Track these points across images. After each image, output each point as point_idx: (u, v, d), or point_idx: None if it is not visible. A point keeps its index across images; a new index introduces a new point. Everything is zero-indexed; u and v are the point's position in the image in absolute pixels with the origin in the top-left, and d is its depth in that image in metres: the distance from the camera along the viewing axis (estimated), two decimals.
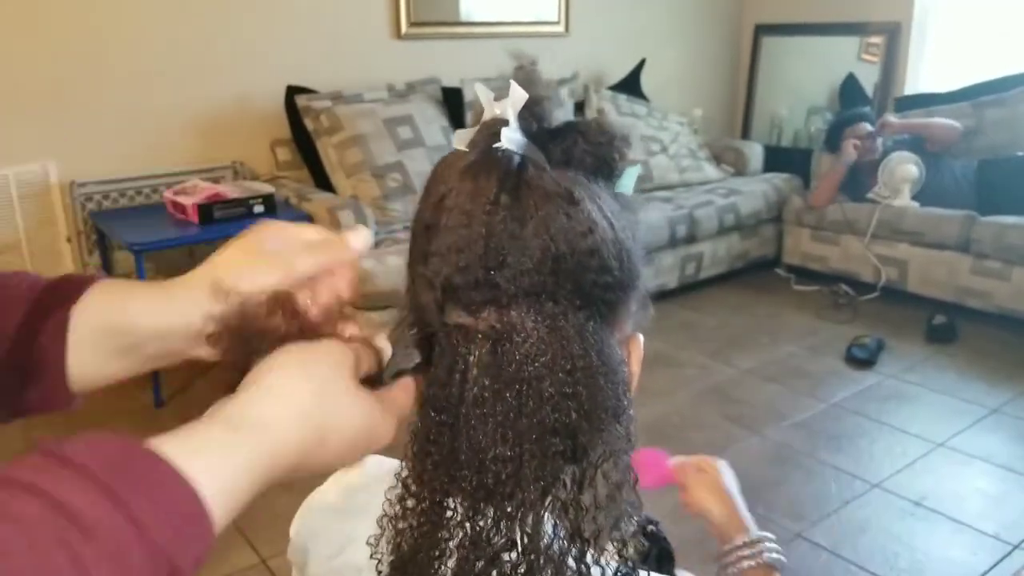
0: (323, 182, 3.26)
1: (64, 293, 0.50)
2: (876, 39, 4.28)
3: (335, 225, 2.83)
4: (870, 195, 3.71)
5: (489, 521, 0.50)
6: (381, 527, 0.54)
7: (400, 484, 0.53)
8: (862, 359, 3.02)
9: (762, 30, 4.75)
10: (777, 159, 4.42)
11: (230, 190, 2.89)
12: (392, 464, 0.65)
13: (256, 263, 0.51)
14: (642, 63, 4.23)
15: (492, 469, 0.49)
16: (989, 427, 2.56)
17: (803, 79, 4.62)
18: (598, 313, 0.51)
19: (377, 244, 2.95)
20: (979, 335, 3.26)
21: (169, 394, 2.74)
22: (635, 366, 0.57)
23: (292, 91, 3.25)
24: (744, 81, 4.87)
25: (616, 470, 0.52)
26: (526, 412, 0.49)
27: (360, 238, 0.55)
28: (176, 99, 3.14)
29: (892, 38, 4.22)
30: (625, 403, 0.52)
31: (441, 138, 3.36)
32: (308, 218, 2.92)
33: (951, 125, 3.68)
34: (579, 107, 3.89)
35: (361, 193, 3.14)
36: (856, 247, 3.72)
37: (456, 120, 3.50)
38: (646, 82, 4.25)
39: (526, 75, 0.52)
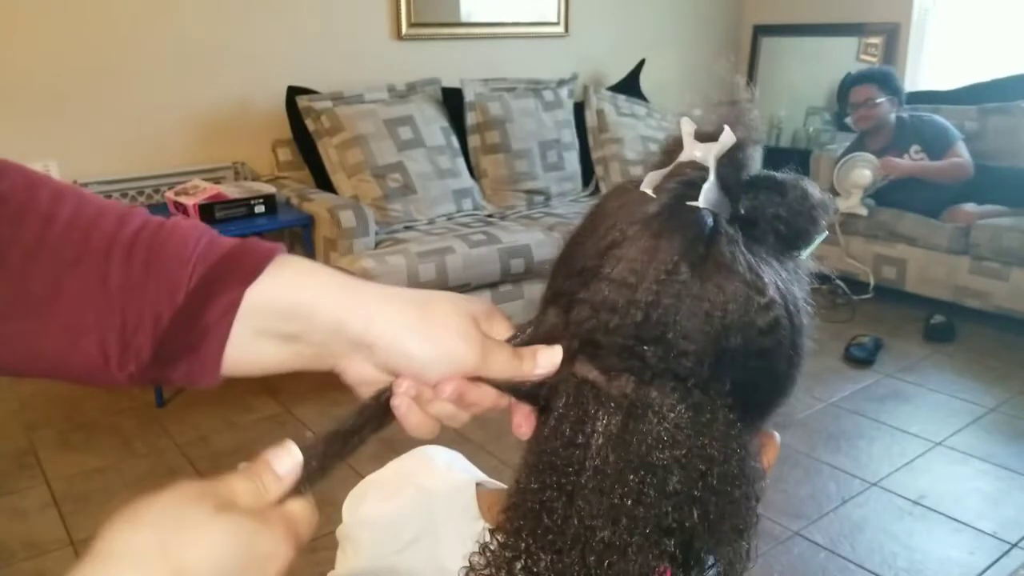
0: (324, 182, 3.27)
1: (242, 268, 0.45)
2: (875, 40, 4.29)
3: (336, 225, 2.84)
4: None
5: None
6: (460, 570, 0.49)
7: (492, 535, 0.49)
8: (860, 358, 3.03)
9: (761, 30, 4.76)
10: (776, 160, 4.31)
11: (231, 190, 2.90)
12: (462, 475, 0.61)
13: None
14: (641, 63, 4.24)
15: (597, 551, 0.44)
16: (987, 426, 2.57)
17: (802, 80, 4.62)
18: (749, 416, 0.46)
19: (377, 244, 2.96)
20: (977, 335, 3.27)
21: (170, 394, 2.75)
22: (766, 466, 0.51)
23: (293, 92, 3.26)
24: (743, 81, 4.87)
25: None
26: (645, 502, 0.44)
27: (286, 464, 0.43)
28: (177, 100, 3.14)
29: (891, 39, 4.23)
30: (752, 520, 0.47)
31: (441, 138, 3.37)
32: (309, 218, 2.94)
33: (960, 165, 3.45)
34: (579, 107, 3.90)
35: (362, 193, 3.14)
36: (856, 247, 3.72)
37: (456, 120, 3.51)
38: (645, 82, 4.26)
39: (736, 113, 0.46)
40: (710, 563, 0.46)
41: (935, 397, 2.78)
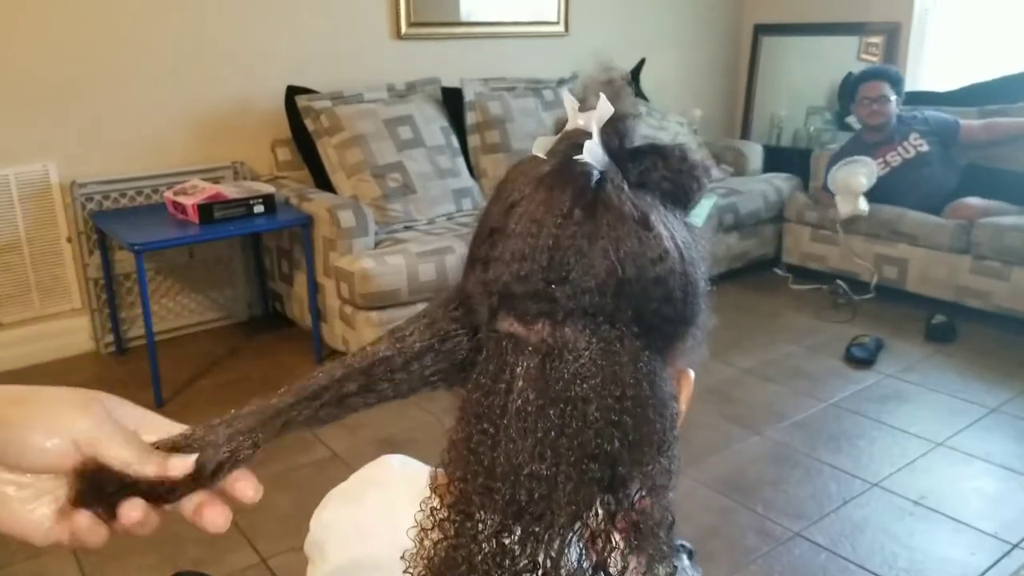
0: (323, 182, 3.27)
1: None
2: (875, 39, 4.29)
3: (335, 225, 2.83)
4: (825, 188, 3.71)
5: (515, 539, 0.48)
6: (414, 537, 0.52)
7: (433, 493, 0.52)
8: (861, 359, 3.02)
9: (761, 30, 4.75)
10: (776, 159, 4.42)
11: (231, 190, 2.90)
12: (418, 468, 0.64)
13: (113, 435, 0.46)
14: (642, 63, 4.23)
15: (526, 486, 0.47)
16: (988, 426, 2.57)
17: (802, 79, 4.62)
18: (655, 343, 0.50)
19: (377, 244, 2.96)
20: (978, 335, 3.26)
21: (169, 394, 2.75)
22: (684, 404, 0.56)
23: (292, 91, 3.25)
24: (744, 81, 4.87)
25: (656, 508, 0.50)
26: (567, 433, 0.47)
27: (181, 467, 0.47)
28: (177, 99, 3.14)
29: (891, 38, 4.22)
30: (670, 439, 0.50)
31: (441, 138, 3.36)
32: (309, 218, 2.93)
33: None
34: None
35: (361, 193, 3.14)
36: (856, 246, 3.72)
37: (456, 120, 3.50)
38: (646, 82, 4.26)
39: (615, 89, 0.51)
40: (637, 486, 0.49)
41: (936, 397, 2.77)
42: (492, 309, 0.50)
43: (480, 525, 0.49)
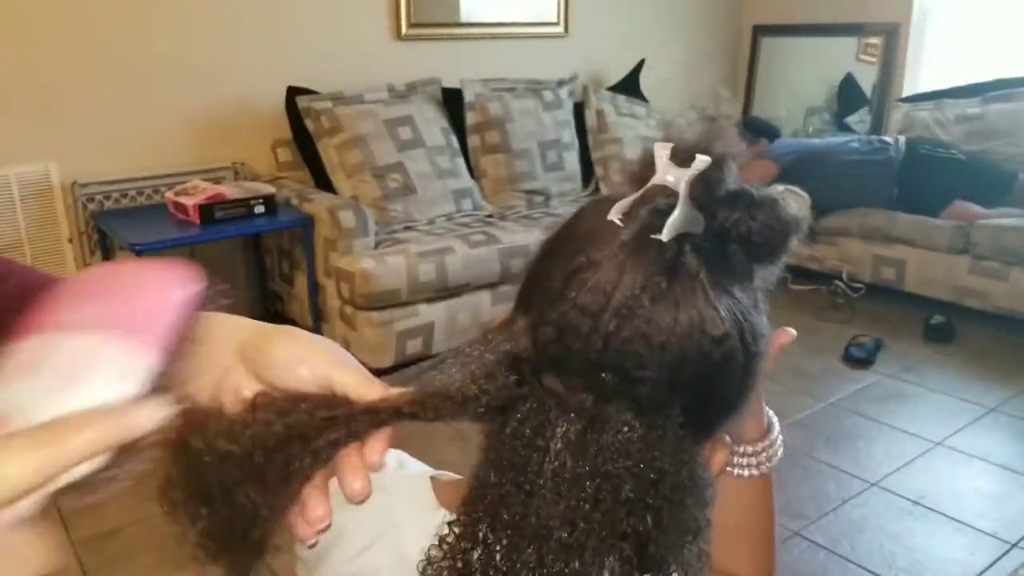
0: (324, 183, 3.27)
1: None
2: (874, 40, 4.29)
3: (336, 226, 2.84)
4: None
5: None
6: (423, 572, 0.50)
7: (444, 510, 0.50)
8: (860, 358, 3.03)
9: (760, 31, 4.76)
10: None
11: (231, 191, 2.90)
12: (414, 470, 0.62)
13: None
14: (641, 63, 4.24)
15: (554, 549, 0.46)
16: (987, 426, 2.57)
17: (801, 80, 4.63)
18: (700, 430, 0.48)
19: (377, 244, 2.96)
20: (977, 335, 3.27)
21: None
22: (716, 469, 0.53)
23: (293, 92, 3.26)
24: (743, 82, 4.88)
25: None
26: (601, 508, 0.46)
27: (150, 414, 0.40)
28: (177, 100, 3.14)
29: (890, 39, 4.23)
30: (704, 523, 0.49)
31: (441, 138, 3.37)
32: (309, 218, 2.94)
33: None
34: (578, 107, 3.90)
35: (362, 193, 3.14)
36: (855, 247, 3.73)
37: (456, 120, 3.51)
38: (645, 82, 4.26)
39: (716, 129, 0.48)
40: (671, 570, 0.48)
41: (935, 397, 2.78)
42: (538, 366, 0.48)
43: (500, 575, 0.47)
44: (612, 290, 0.45)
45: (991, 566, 1.92)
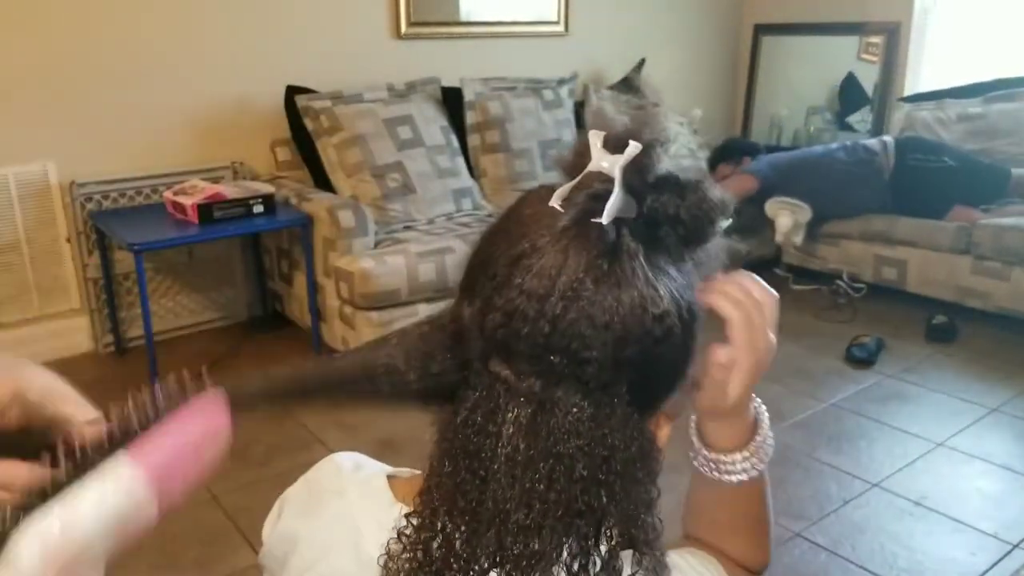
0: (323, 182, 3.26)
1: None
2: (875, 39, 4.28)
3: (335, 225, 2.83)
4: None
5: None
6: (385, 566, 0.51)
7: (401, 503, 0.51)
8: (862, 359, 3.02)
9: (762, 30, 4.75)
10: None
11: (230, 190, 2.89)
12: (371, 471, 0.62)
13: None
14: (642, 63, 4.23)
15: (512, 532, 0.47)
16: (989, 427, 2.56)
17: (803, 79, 4.62)
18: (646, 405, 0.50)
19: (376, 244, 2.95)
20: (979, 335, 3.26)
21: None
22: (661, 443, 0.54)
23: (292, 91, 3.25)
24: (744, 81, 4.87)
25: (647, 559, 0.50)
26: (555, 487, 0.47)
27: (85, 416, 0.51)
28: (176, 99, 3.14)
29: (891, 38, 4.22)
30: (655, 494, 0.51)
31: (440, 138, 3.36)
32: (308, 218, 2.93)
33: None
34: (579, 106, 3.89)
35: (361, 193, 3.14)
36: (856, 247, 3.72)
37: (456, 119, 3.50)
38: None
39: (644, 116, 0.50)
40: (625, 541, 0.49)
41: (937, 397, 2.77)
42: (485, 351, 0.49)
43: (454, 562, 0.48)
44: (557, 274, 0.46)
45: (992, 567, 1.91)
